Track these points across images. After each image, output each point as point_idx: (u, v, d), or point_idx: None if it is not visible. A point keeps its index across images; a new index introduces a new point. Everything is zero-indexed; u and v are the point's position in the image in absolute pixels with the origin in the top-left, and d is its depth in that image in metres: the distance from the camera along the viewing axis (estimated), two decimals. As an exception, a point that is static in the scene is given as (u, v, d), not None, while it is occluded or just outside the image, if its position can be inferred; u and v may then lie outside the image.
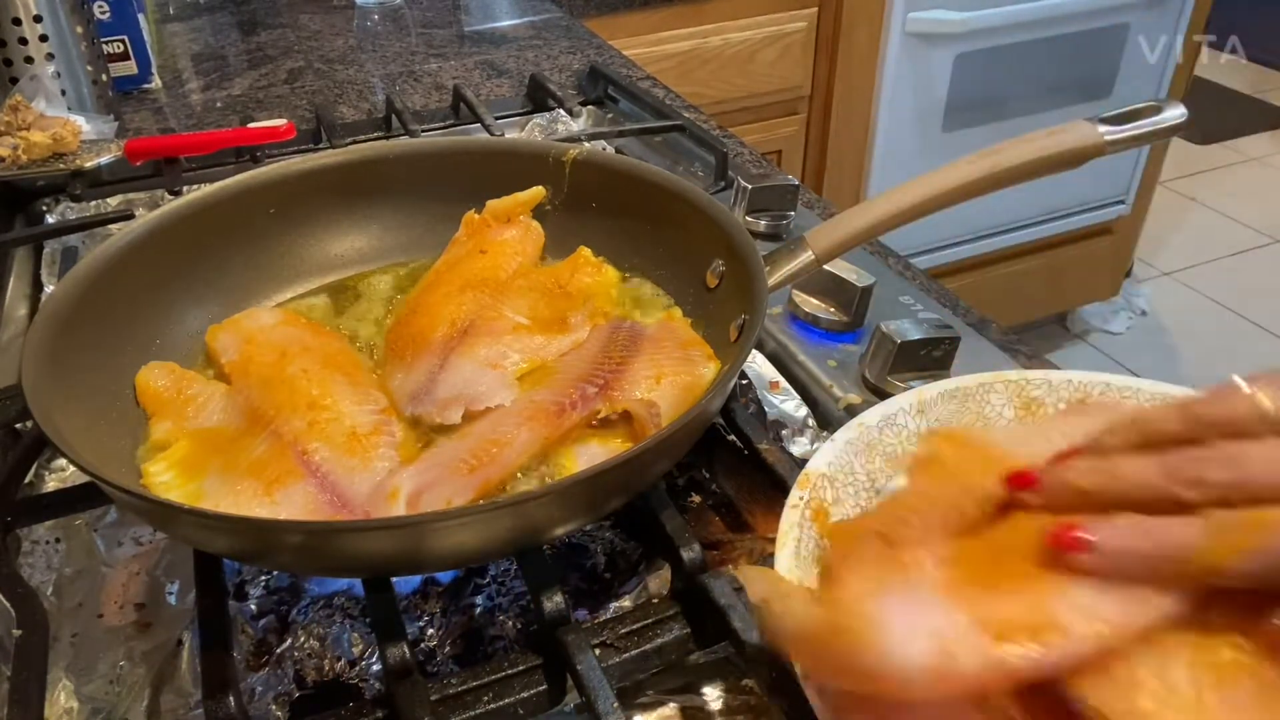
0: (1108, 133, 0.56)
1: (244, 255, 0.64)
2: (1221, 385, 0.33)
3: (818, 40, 1.74)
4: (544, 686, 0.44)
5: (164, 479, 0.49)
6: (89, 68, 1.01)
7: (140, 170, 0.88)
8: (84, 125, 0.91)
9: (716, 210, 0.59)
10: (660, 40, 1.60)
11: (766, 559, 0.48)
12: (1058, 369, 0.52)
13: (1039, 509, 0.35)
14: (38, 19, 0.95)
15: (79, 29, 0.99)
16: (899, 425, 0.50)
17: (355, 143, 0.87)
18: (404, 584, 0.52)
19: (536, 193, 0.67)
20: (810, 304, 0.66)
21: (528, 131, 1.00)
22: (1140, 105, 0.58)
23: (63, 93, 0.98)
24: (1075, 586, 0.32)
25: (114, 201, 0.86)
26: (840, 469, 0.47)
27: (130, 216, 0.80)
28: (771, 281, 0.55)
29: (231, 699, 0.41)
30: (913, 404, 0.51)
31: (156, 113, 1.11)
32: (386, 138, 0.97)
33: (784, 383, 0.62)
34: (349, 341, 0.61)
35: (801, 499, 0.44)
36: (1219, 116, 3.46)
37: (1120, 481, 0.33)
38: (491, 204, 0.67)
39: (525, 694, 0.43)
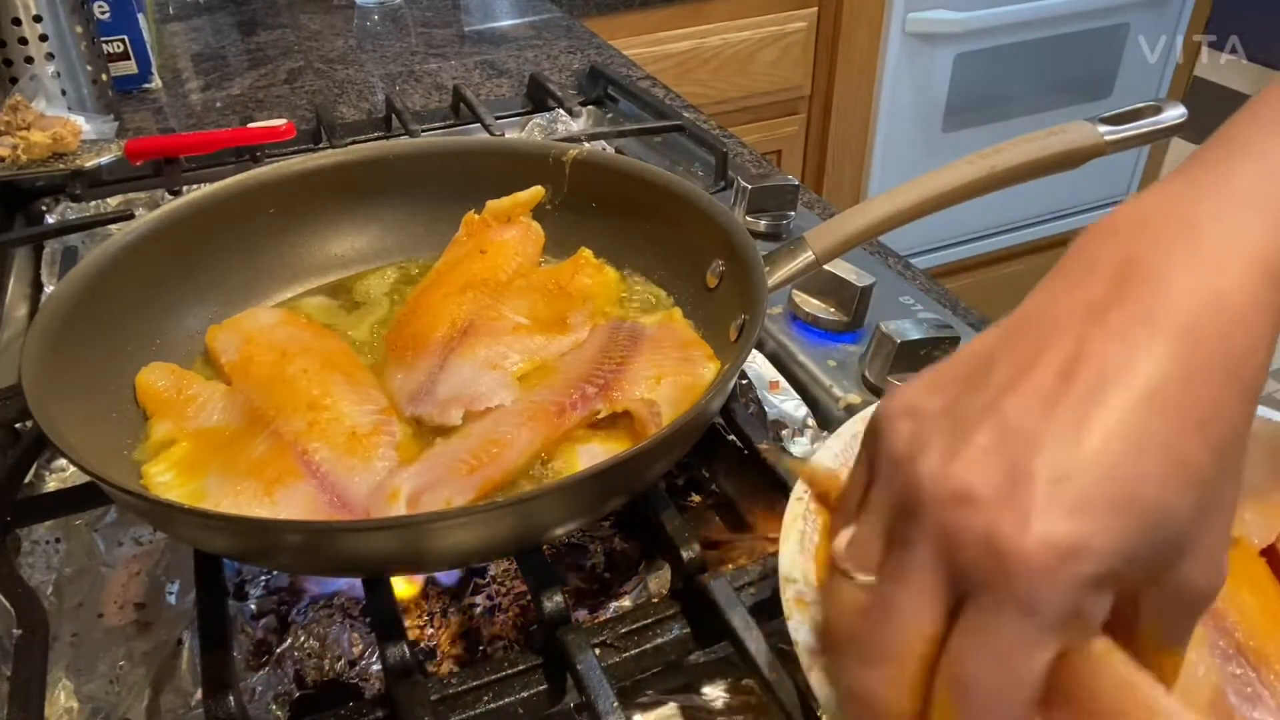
0: (1108, 133, 0.56)
1: (244, 255, 0.64)
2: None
3: (818, 40, 1.74)
4: (544, 686, 0.44)
5: (164, 479, 0.49)
6: (89, 68, 1.01)
7: (140, 170, 0.88)
8: (84, 125, 0.91)
9: (716, 210, 0.59)
10: (660, 40, 1.60)
11: (767, 558, 0.48)
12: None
13: None
14: (38, 19, 0.95)
15: (79, 29, 0.99)
16: None
17: (355, 143, 0.87)
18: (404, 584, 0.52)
19: (536, 193, 0.67)
20: (810, 304, 0.66)
21: (528, 131, 1.00)
22: (1140, 105, 0.58)
23: (63, 93, 0.98)
24: None
25: (114, 201, 0.86)
26: (845, 463, 0.47)
27: (130, 216, 0.80)
28: (771, 281, 0.55)
29: (231, 699, 0.41)
30: None
31: (156, 113, 1.11)
32: (386, 138, 0.97)
33: (784, 383, 0.62)
34: (349, 341, 0.61)
35: (806, 492, 0.44)
36: (1219, 116, 3.45)
37: None
38: (491, 204, 0.67)
39: (525, 694, 0.43)
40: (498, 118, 0.96)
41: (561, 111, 1.01)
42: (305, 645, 0.50)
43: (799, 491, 0.45)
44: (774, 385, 0.62)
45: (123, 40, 1.11)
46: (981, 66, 1.84)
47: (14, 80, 0.94)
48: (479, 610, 0.52)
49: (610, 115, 1.06)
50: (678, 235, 0.62)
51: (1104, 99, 1.99)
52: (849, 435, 0.48)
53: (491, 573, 0.53)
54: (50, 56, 0.97)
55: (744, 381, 0.62)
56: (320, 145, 0.95)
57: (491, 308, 0.60)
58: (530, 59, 1.24)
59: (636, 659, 0.45)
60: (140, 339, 0.57)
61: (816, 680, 0.37)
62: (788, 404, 0.60)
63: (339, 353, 0.58)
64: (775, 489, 0.52)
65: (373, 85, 1.18)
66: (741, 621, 0.43)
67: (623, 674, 0.45)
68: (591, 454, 0.51)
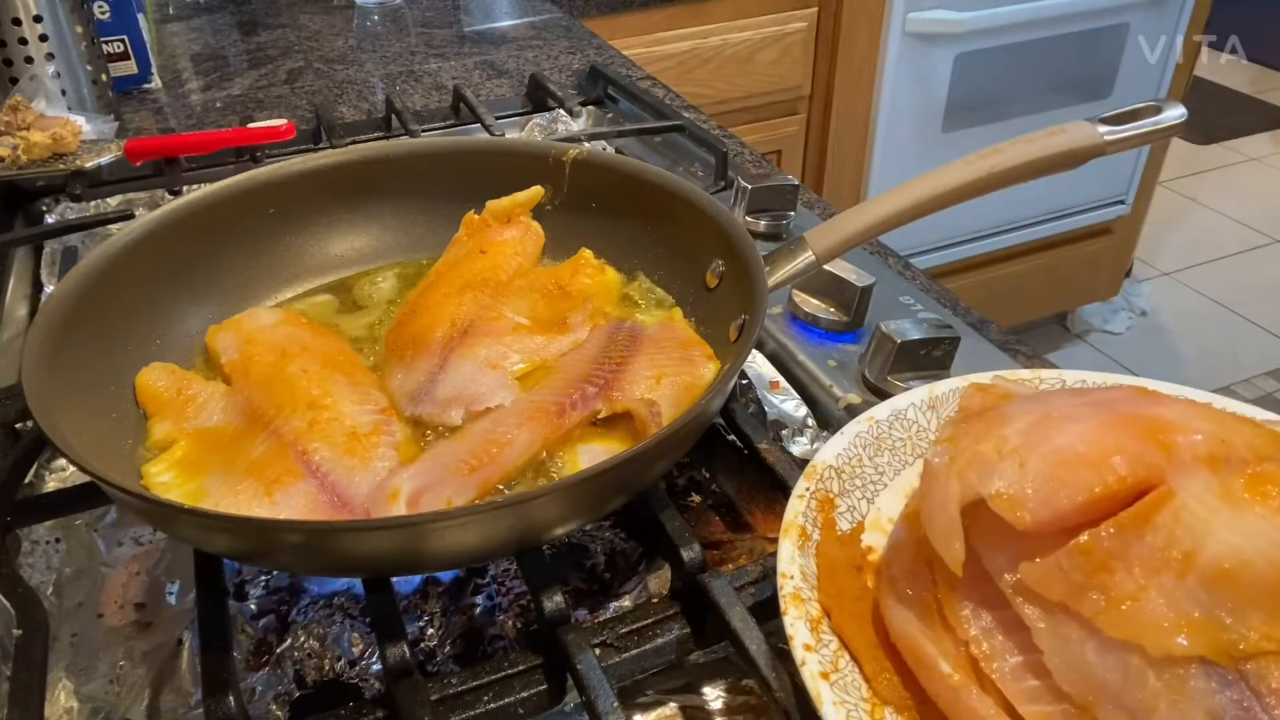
0: (1107, 133, 0.56)
1: (244, 255, 0.64)
2: None
3: (818, 40, 1.74)
4: (544, 686, 0.44)
5: (164, 479, 0.49)
6: (89, 68, 1.01)
7: (140, 170, 0.88)
8: (84, 125, 0.91)
9: (716, 210, 0.59)
10: (660, 40, 1.60)
11: (767, 558, 0.48)
12: (1057, 369, 0.52)
13: None
14: (38, 19, 0.95)
15: (79, 29, 0.99)
16: (909, 420, 0.50)
17: (355, 143, 0.87)
18: (404, 584, 0.52)
19: (536, 193, 0.67)
20: (810, 304, 0.66)
21: (528, 131, 1.00)
22: (1140, 105, 0.58)
23: (63, 93, 0.98)
24: None
25: (114, 201, 0.86)
26: (848, 461, 0.47)
27: (130, 216, 0.80)
28: (771, 281, 0.55)
29: (231, 699, 0.41)
30: (924, 399, 0.50)
31: (156, 113, 1.11)
32: (386, 138, 0.97)
33: (784, 383, 0.62)
34: (349, 341, 0.61)
35: (808, 490, 0.44)
36: (1219, 116, 3.46)
37: None
38: (491, 204, 0.67)
39: (525, 694, 0.43)
40: (498, 118, 0.97)
41: (561, 111, 1.01)
42: (305, 645, 0.50)
43: (800, 489, 0.45)
44: (774, 385, 0.62)
45: (123, 40, 1.11)
46: (981, 66, 1.84)
47: (14, 80, 0.94)
48: (479, 610, 0.52)
49: (610, 115, 1.06)
50: (678, 235, 0.62)
51: (1104, 99, 1.99)
52: (852, 435, 0.48)
53: (491, 573, 0.53)
54: (50, 56, 0.97)
55: (744, 381, 0.62)
56: (320, 145, 0.95)
57: (491, 308, 0.60)
58: (530, 59, 1.24)
59: (636, 659, 0.45)
60: (140, 339, 0.57)
61: (809, 675, 0.37)
62: (788, 404, 0.60)
63: (339, 353, 0.58)
64: (775, 489, 0.52)
65: (373, 85, 1.18)
66: (741, 621, 0.43)
67: (623, 674, 0.45)
68: (591, 454, 0.51)
